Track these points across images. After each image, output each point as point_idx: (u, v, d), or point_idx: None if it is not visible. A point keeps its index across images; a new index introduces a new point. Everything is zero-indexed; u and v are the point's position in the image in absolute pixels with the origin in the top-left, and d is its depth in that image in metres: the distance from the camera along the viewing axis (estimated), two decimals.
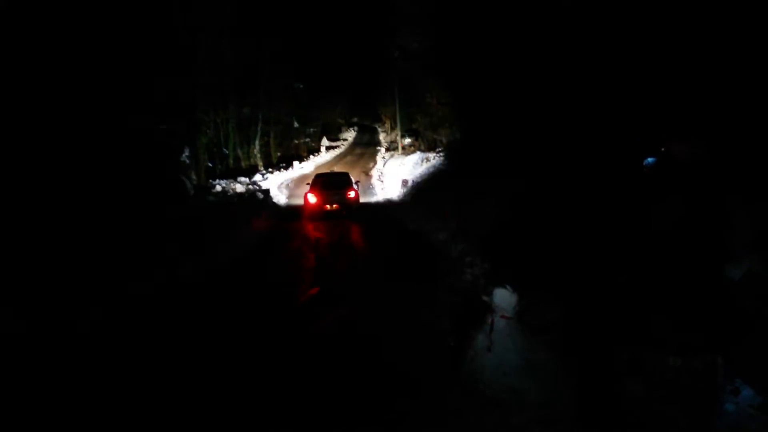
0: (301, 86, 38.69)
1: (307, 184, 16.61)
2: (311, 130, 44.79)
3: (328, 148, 46.04)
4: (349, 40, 40.42)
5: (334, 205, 15.04)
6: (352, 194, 15.54)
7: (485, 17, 13.97)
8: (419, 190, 18.69)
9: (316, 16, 34.90)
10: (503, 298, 4.85)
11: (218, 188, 20.47)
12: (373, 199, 21.68)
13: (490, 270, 6.11)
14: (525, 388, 4.02)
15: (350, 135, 57.06)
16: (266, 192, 20.78)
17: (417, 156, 28.57)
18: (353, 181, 16.76)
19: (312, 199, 15.22)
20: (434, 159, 25.09)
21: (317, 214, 15.10)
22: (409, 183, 21.60)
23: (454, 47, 17.28)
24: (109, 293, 6.74)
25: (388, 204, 19.78)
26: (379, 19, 34.50)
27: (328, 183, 16.07)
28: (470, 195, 10.53)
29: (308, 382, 4.40)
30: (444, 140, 26.07)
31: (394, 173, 27.67)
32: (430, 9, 21.65)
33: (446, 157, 22.74)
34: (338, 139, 52.26)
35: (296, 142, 41.14)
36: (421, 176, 21.92)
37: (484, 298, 5.19)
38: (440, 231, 9.50)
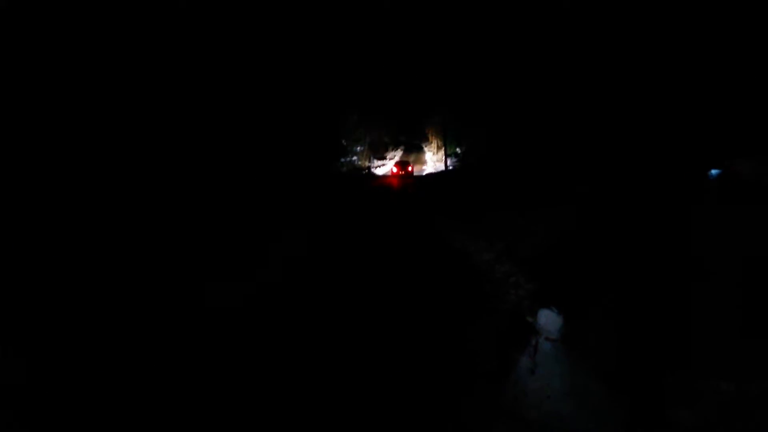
0: (352, 113, 39.68)
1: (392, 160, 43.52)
2: (358, 148, 45.46)
3: (375, 167, 46.56)
4: (397, 60, 40.92)
5: (402, 172, 34.52)
6: (410, 168, 35.25)
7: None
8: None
9: (360, 39, 35.88)
10: (548, 319, 4.74)
11: None
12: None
13: (535, 291, 5.98)
14: (569, 413, 3.88)
15: (397, 154, 57.38)
16: None
17: (461, 175, 28.54)
18: (411, 163, 37.33)
19: (393, 169, 35.92)
20: (477, 178, 25.02)
21: (394, 175, 34.12)
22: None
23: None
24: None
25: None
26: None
27: (400, 163, 36.51)
28: (516, 217, 10.37)
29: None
30: (489, 160, 25.88)
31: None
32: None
33: (488, 177, 22.66)
34: (384, 158, 52.71)
35: (342, 160, 41.74)
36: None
37: (529, 319, 5.09)
38: (485, 252, 9.41)
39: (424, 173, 39.52)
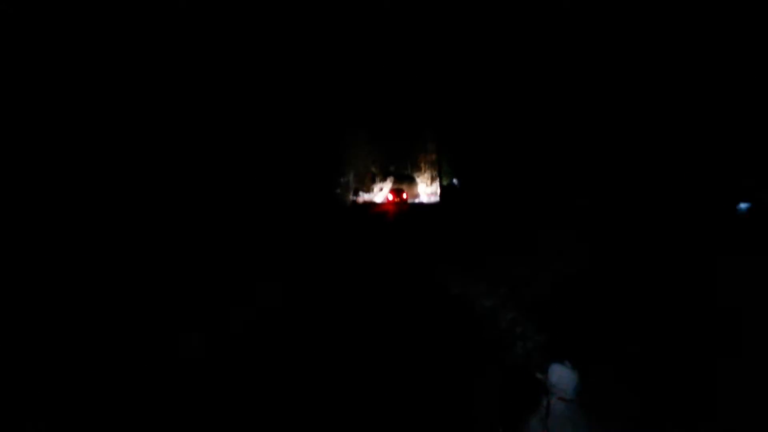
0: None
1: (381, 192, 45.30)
2: (342, 179, 44.72)
3: (359, 201, 46.07)
4: (389, 84, 41.42)
5: (397, 198, 37.83)
6: (404, 195, 38.71)
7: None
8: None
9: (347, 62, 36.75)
10: (561, 376, 4.29)
11: None
12: None
13: (546, 343, 5.52)
14: None
15: (386, 185, 57.24)
16: None
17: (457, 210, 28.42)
18: (404, 190, 40.38)
19: (389, 196, 39.24)
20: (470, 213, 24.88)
21: (390, 202, 37.49)
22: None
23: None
24: None
25: None
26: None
27: (395, 190, 40.20)
28: (521, 257, 10.03)
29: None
30: (488, 194, 25.70)
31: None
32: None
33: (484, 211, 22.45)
34: (372, 191, 52.33)
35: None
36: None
37: (539, 375, 4.65)
38: (486, 297, 8.84)
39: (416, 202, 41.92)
